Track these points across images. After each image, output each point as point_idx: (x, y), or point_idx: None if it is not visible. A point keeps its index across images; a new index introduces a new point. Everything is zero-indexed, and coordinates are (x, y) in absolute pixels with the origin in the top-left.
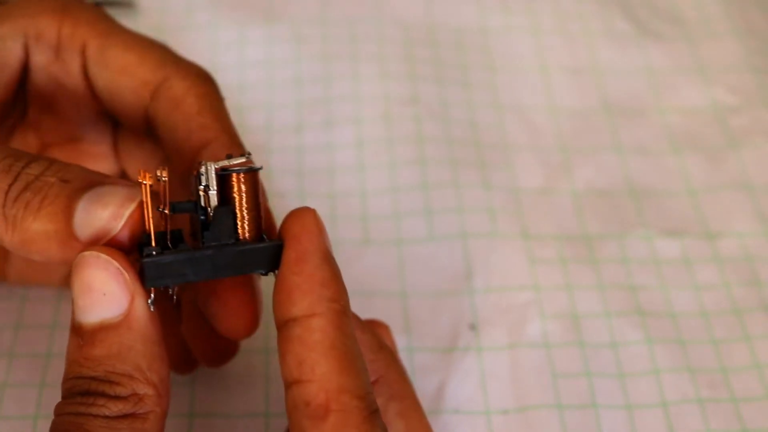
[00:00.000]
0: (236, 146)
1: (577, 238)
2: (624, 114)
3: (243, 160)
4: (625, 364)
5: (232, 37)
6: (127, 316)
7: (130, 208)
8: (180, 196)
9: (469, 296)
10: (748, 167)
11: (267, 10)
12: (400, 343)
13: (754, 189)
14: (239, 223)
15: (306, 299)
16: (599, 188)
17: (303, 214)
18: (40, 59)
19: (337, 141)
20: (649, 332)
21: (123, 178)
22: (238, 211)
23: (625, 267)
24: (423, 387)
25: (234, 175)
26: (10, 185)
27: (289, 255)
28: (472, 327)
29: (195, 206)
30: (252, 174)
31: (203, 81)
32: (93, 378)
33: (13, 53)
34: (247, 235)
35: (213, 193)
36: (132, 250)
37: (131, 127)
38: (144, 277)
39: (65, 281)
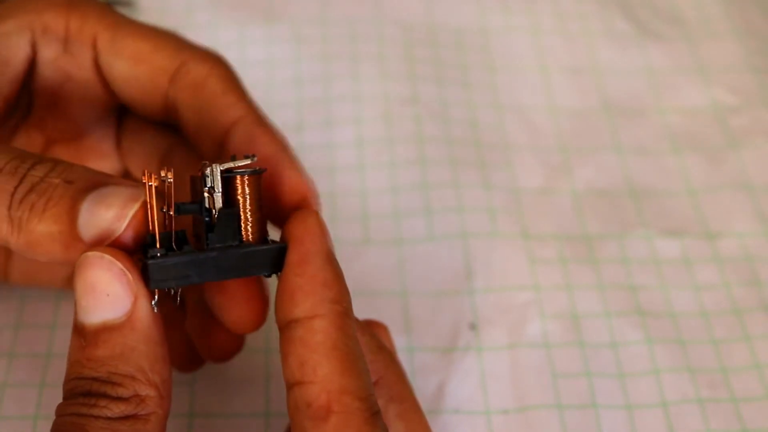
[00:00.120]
0: (265, 124)
1: (577, 238)
2: (624, 114)
3: (247, 162)
4: (625, 364)
5: (232, 37)
6: (130, 317)
7: (133, 209)
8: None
9: (469, 296)
10: (748, 167)
11: (267, 10)
12: (400, 342)
13: (754, 189)
14: (243, 225)
15: (308, 301)
16: (599, 188)
17: (306, 216)
18: (48, 53)
19: (337, 141)
20: (649, 332)
21: (126, 176)
22: (242, 213)
23: (625, 267)
24: (423, 387)
25: (238, 177)
26: (16, 187)
27: (292, 257)
28: (472, 327)
29: (199, 208)
30: (256, 176)
31: (222, 63)
32: (95, 379)
33: (19, 49)
34: (251, 237)
35: (218, 195)
36: (135, 250)
37: (146, 115)
38: (148, 278)
39: (68, 282)
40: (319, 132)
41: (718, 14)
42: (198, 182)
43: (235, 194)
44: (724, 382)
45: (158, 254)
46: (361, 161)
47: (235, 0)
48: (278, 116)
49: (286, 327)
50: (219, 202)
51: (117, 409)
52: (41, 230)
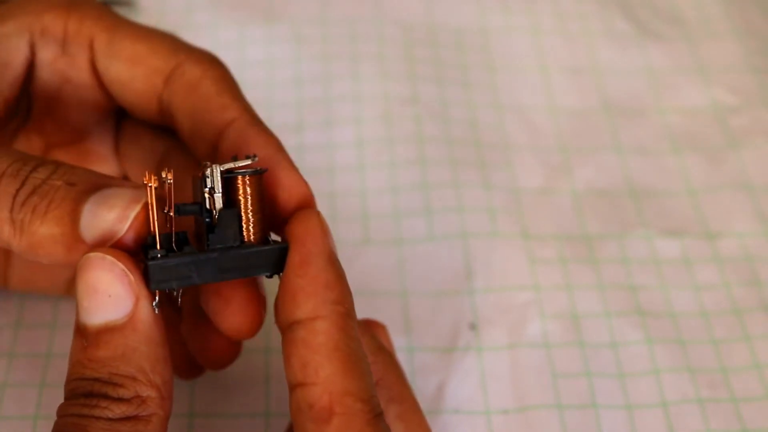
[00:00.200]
0: (258, 125)
1: (577, 238)
2: (624, 114)
3: (248, 162)
4: (625, 364)
5: (232, 37)
6: (131, 318)
7: (135, 210)
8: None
9: (469, 296)
10: (748, 167)
11: (267, 10)
12: (400, 342)
13: (754, 189)
14: (244, 225)
15: (310, 302)
16: (599, 188)
17: (308, 217)
18: (46, 55)
19: (337, 141)
20: (649, 332)
21: (125, 179)
22: (243, 214)
23: (625, 267)
24: (423, 387)
25: (239, 177)
26: (18, 190)
27: (294, 257)
28: (472, 327)
29: (200, 209)
30: (257, 176)
31: (217, 65)
32: (96, 379)
33: (19, 51)
34: (252, 237)
35: (218, 195)
36: (137, 252)
37: (142, 117)
38: (149, 279)
39: (68, 288)
40: (319, 132)
41: (718, 14)
42: (199, 183)
43: (236, 195)
44: (724, 382)
45: (159, 255)
46: (361, 161)
47: (235, 0)
48: (278, 116)
49: (288, 328)
50: (219, 203)
51: (118, 410)
52: (43, 232)
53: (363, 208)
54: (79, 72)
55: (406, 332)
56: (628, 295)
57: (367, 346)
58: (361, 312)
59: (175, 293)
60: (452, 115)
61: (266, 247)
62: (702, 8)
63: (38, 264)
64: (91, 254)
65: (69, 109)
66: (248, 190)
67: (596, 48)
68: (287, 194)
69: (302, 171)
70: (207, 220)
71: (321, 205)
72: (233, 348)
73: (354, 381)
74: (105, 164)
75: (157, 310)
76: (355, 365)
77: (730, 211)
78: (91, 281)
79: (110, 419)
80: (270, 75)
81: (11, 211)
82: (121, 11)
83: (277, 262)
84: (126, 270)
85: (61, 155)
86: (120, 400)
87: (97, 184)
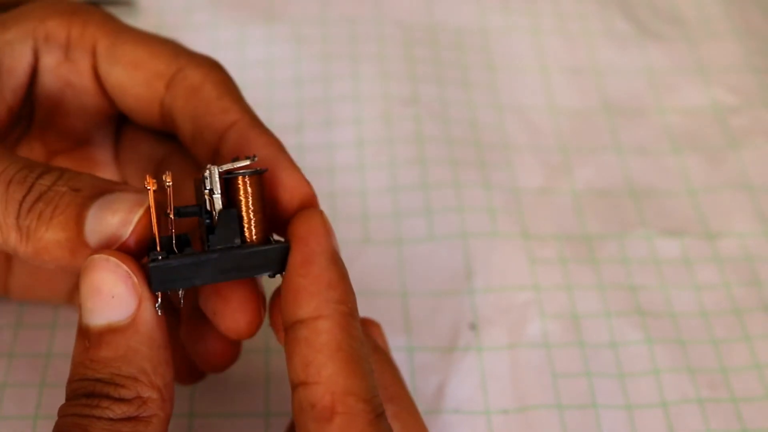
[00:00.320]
0: (259, 126)
1: (577, 238)
2: (624, 114)
3: (247, 162)
4: (625, 364)
5: (232, 37)
6: (134, 319)
7: (138, 214)
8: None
9: (469, 296)
10: (748, 167)
11: (267, 10)
12: (400, 342)
13: (754, 189)
14: (246, 225)
15: (313, 301)
16: (599, 188)
17: (310, 216)
18: (49, 60)
19: (337, 141)
20: (649, 332)
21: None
22: (244, 214)
23: (625, 267)
24: (423, 387)
25: (240, 178)
26: (24, 196)
27: (296, 257)
28: (472, 327)
29: (200, 210)
30: (257, 176)
31: (218, 69)
32: (98, 380)
33: (23, 57)
34: (254, 237)
35: (217, 196)
36: (141, 255)
37: (143, 122)
38: (150, 281)
39: (68, 297)
40: (319, 132)
41: (718, 14)
42: (199, 185)
43: (237, 195)
44: (724, 382)
45: (159, 257)
46: (361, 161)
47: (235, 0)
48: (278, 116)
49: (290, 328)
50: (219, 204)
51: (119, 410)
52: (49, 238)
53: (363, 208)
54: (81, 77)
55: (406, 332)
56: (628, 295)
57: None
58: (361, 312)
59: (179, 294)
60: (452, 115)
61: (267, 247)
62: (702, 8)
63: (39, 272)
64: (95, 256)
65: (70, 115)
66: (249, 190)
67: (596, 48)
68: (289, 194)
69: (302, 171)
70: (207, 221)
71: (321, 205)
72: (232, 350)
73: (356, 381)
74: (105, 170)
75: (160, 311)
76: (357, 365)
77: (730, 211)
78: (95, 282)
79: (111, 419)
80: (270, 75)
81: (17, 217)
82: (121, 11)
83: (279, 262)
84: (129, 272)
85: (62, 162)
86: (121, 400)
87: (101, 190)
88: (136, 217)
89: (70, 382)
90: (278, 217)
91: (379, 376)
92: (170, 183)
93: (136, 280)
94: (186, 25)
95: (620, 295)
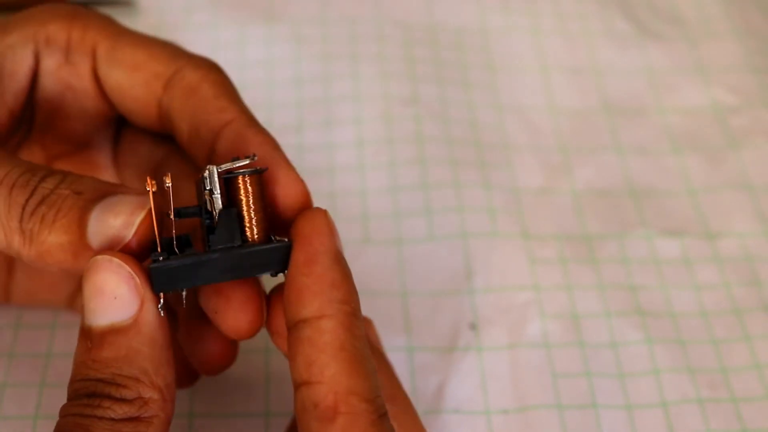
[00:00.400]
0: (255, 125)
1: (577, 238)
2: (624, 114)
3: (247, 162)
4: (625, 364)
5: (232, 37)
6: (136, 320)
7: (140, 216)
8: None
9: (469, 296)
10: (748, 167)
11: (267, 10)
12: (400, 342)
13: (754, 189)
14: (247, 225)
15: (316, 301)
16: (599, 188)
17: (314, 215)
18: (50, 63)
19: (337, 141)
20: (649, 332)
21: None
22: (245, 213)
23: (625, 267)
24: (423, 387)
25: (240, 177)
26: (27, 200)
27: (300, 256)
28: (472, 327)
29: (199, 210)
30: (257, 176)
31: (216, 70)
32: (99, 380)
33: (24, 61)
34: (255, 236)
35: (217, 196)
36: (143, 256)
37: (142, 124)
38: (151, 282)
39: (69, 302)
40: (319, 132)
41: (718, 14)
42: (199, 185)
43: (238, 194)
44: (724, 382)
45: (160, 258)
46: (361, 161)
47: (235, 0)
48: (278, 116)
49: (294, 327)
50: (219, 204)
51: (120, 411)
52: (52, 240)
53: (363, 208)
54: (81, 80)
55: (406, 332)
56: (628, 295)
57: None
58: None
59: (182, 295)
60: (452, 115)
61: (268, 246)
62: (702, 8)
63: (40, 278)
64: (99, 257)
65: (71, 119)
66: (249, 189)
67: (596, 48)
68: (284, 193)
69: (302, 171)
70: (207, 221)
71: (321, 205)
72: (230, 352)
73: (359, 381)
74: (104, 173)
75: (162, 312)
76: (360, 365)
77: (730, 211)
78: (98, 283)
79: (112, 419)
80: (270, 75)
81: (20, 221)
82: (121, 11)
83: (280, 261)
84: (132, 272)
85: (62, 166)
86: (122, 400)
87: (103, 192)
88: (138, 219)
89: (71, 382)
90: (274, 217)
91: None
92: (170, 184)
93: (138, 280)
94: (186, 25)
95: (620, 295)
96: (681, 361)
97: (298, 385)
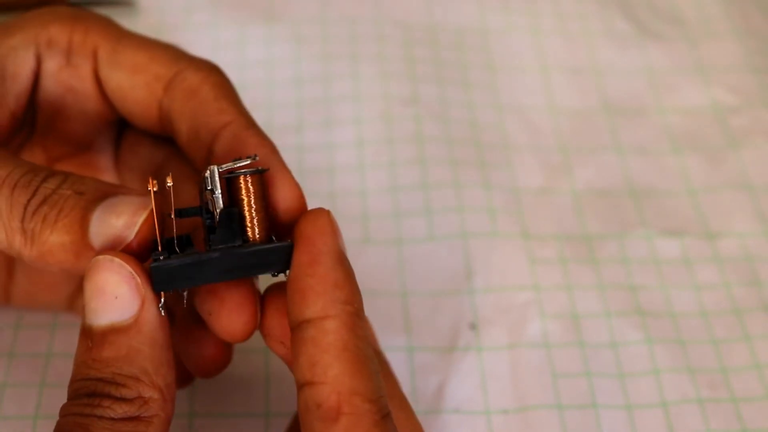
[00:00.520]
0: (254, 128)
1: (577, 238)
2: (624, 114)
3: (248, 162)
4: (625, 364)
5: (232, 37)
6: (137, 320)
7: (142, 216)
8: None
9: (469, 296)
10: (748, 167)
11: (267, 10)
12: (400, 342)
13: (754, 189)
14: (248, 224)
15: (319, 301)
16: (599, 188)
17: (317, 215)
18: (51, 65)
19: (337, 141)
20: (649, 332)
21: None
22: (246, 213)
23: (625, 267)
24: (423, 387)
25: (241, 177)
26: (29, 200)
27: (303, 256)
28: (472, 327)
29: (200, 210)
30: (258, 176)
31: (217, 72)
32: (100, 380)
33: (26, 63)
34: (256, 236)
35: (218, 196)
36: (145, 257)
37: (143, 126)
38: (152, 282)
39: (69, 304)
40: (319, 132)
41: (718, 14)
42: (201, 185)
43: (239, 194)
44: (724, 382)
45: (161, 257)
46: (361, 161)
47: (235, 0)
48: (278, 116)
49: (297, 327)
50: (220, 203)
51: (120, 410)
52: (53, 241)
53: (363, 208)
54: (82, 82)
55: (406, 332)
56: (628, 295)
57: None
58: None
59: (184, 296)
60: (452, 115)
61: (270, 246)
62: (702, 8)
63: (40, 280)
64: (100, 257)
65: (72, 120)
66: (250, 189)
67: (596, 48)
68: (279, 197)
69: (302, 171)
70: (208, 221)
71: (321, 205)
72: (224, 355)
73: (362, 381)
74: (106, 175)
75: (163, 312)
76: (363, 365)
77: (730, 211)
78: (99, 283)
79: (113, 419)
80: (270, 75)
81: (22, 221)
82: (122, 11)
83: (282, 261)
84: (133, 272)
85: (63, 167)
86: (122, 400)
87: (105, 193)
88: (140, 220)
89: (72, 381)
90: (270, 219)
91: None
92: (171, 184)
93: (139, 280)
94: (186, 25)
95: (620, 295)
96: (681, 361)
97: (301, 386)
